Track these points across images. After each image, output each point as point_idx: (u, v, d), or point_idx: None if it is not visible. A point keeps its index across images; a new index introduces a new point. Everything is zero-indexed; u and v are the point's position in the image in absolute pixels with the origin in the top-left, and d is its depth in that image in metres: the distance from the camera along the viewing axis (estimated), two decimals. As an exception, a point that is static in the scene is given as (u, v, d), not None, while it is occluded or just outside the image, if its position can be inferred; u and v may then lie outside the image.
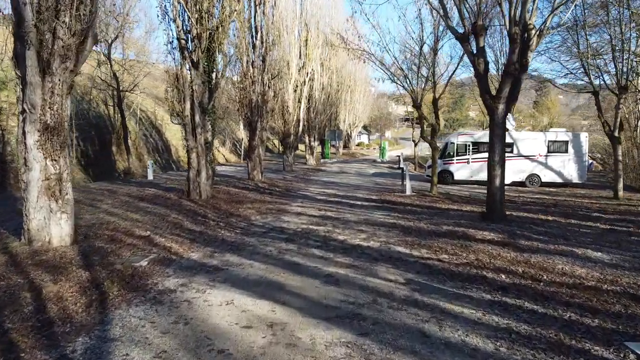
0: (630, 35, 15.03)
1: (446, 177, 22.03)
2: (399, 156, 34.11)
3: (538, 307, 5.03)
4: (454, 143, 22.50)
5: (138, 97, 26.35)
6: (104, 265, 6.24)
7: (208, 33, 13.45)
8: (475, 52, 10.27)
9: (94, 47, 24.31)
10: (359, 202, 14.46)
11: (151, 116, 31.32)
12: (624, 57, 15.11)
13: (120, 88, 22.72)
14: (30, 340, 4.02)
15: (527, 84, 46.07)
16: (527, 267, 6.79)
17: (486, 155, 22.43)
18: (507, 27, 9.75)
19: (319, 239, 8.74)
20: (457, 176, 22.33)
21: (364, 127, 74.45)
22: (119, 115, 23.28)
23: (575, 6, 13.75)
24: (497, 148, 10.24)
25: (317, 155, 38.11)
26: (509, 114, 26.71)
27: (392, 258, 7.31)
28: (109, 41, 22.07)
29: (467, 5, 10.65)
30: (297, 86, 27.98)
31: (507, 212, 11.17)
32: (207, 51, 13.89)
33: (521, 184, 21.67)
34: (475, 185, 21.66)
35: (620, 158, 16.73)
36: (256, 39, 19.75)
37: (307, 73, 29.42)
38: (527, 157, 21.60)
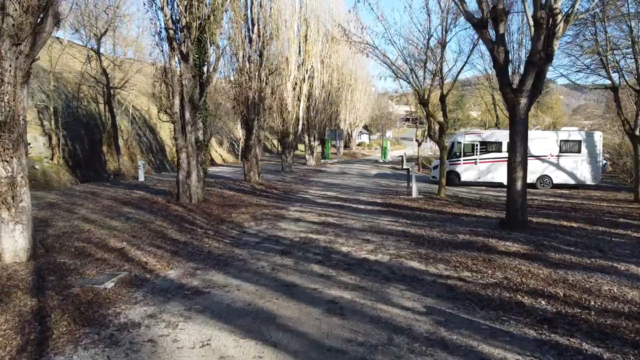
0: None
1: (452, 178, 20.91)
2: (402, 156, 32.97)
3: (601, 350, 3.93)
4: (460, 143, 21.38)
5: (130, 94, 25.22)
6: (59, 289, 5.14)
7: (198, 22, 12.35)
8: (494, 40, 9.17)
9: (82, 41, 23.29)
10: (362, 206, 13.36)
11: (145, 115, 30.18)
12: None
13: (110, 85, 21.59)
14: None
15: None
16: (567, 288, 5.69)
17: (495, 155, 21.68)
18: (531, 12, 8.65)
19: (320, 251, 7.64)
20: (464, 177, 21.23)
21: (365, 127, 73.31)
22: (109, 113, 22.14)
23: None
24: (519, 147, 9.13)
25: (317, 155, 37.01)
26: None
27: (406, 276, 6.20)
28: (98, 35, 20.94)
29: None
30: (296, 83, 26.85)
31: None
32: (197, 43, 12.80)
33: (531, 185, 20.51)
34: (483, 187, 20.57)
35: (640, 158, 15.62)
36: (253, 32, 18.66)
37: (307, 70, 28.29)
38: (537, 157, 20.47)
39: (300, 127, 27.99)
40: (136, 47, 26.01)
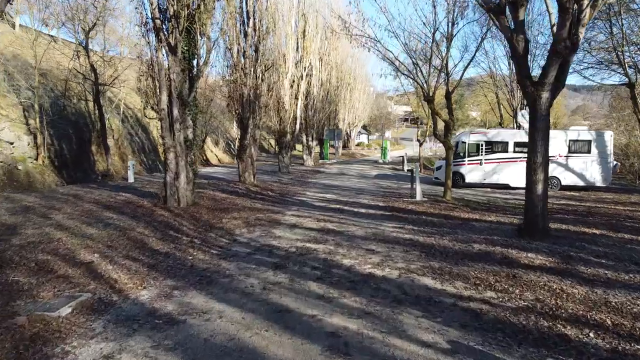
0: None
1: (456, 179, 19.96)
2: (403, 157, 32.03)
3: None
4: (465, 142, 20.45)
5: (121, 92, 24.24)
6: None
7: (187, 12, 11.39)
8: (513, 27, 8.25)
9: (75, 38, 22.28)
10: (363, 210, 12.43)
11: (138, 113, 29.17)
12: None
13: (100, 81, 20.60)
14: None
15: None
16: (613, 313, 4.77)
17: (501, 156, 20.76)
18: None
19: (319, 265, 6.71)
20: (469, 178, 20.30)
21: (364, 127, 72.41)
22: (98, 111, 21.15)
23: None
24: (540, 147, 8.22)
25: (316, 155, 36.04)
26: (525, 110, 24.74)
27: (421, 298, 5.27)
28: (86, 29, 19.97)
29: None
30: (293, 81, 25.89)
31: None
32: (187, 34, 11.85)
33: (539, 187, 19.62)
34: (489, 189, 19.66)
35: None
36: (248, 25, 17.71)
37: (305, 67, 27.34)
38: (545, 157, 19.52)
39: (297, 126, 27.03)
40: (129, 44, 25.01)
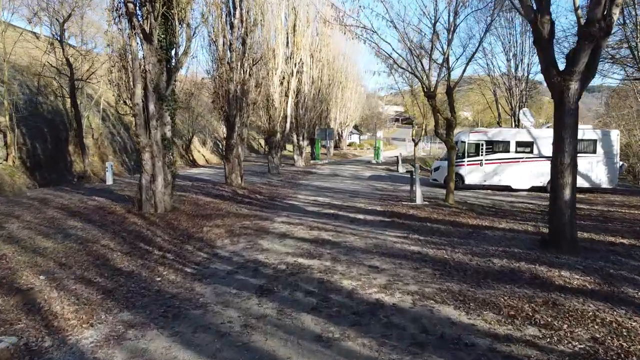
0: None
1: (456, 181, 18.76)
2: (397, 157, 30.92)
3: None
4: (464, 142, 19.35)
5: (100, 88, 22.81)
6: None
7: (164, -5, 10.19)
8: (536, 7, 7.14)
9: (46, 31, 20.84)
10: (361, 216, 11.27)
11: (121, 111, 27.73)
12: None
13: (75, 77, 19.20)
14: None
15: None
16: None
17: (502, 156, 19.73)
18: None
19: (313, 288, 5.53)
20: (468, 180, 19.24)
21: (355, 127, 71.32)
22: (73, 108, 19.73)
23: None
24: (568, 145, 7.13)
25: (307, 156, 34.83)
26: (526, 108, 23.76)
27: (446, 339, 4.11)
28: (61, 20, 18.57)
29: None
30: (283, 78, 24.64)
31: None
32: (164, 20, 10.64)
33: (541, 189, 18.64)
34: (489, 191, 18.62)
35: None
36: (234, 17, 16.49)
37: (296, 64, 26.13)
38: (549, 158, 18.44)
39: (288, 125, 25.79)
40: (107, 37, 23.53)
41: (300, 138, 30.64)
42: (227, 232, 9.09)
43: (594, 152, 18.37)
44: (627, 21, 13.32)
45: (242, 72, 16.66)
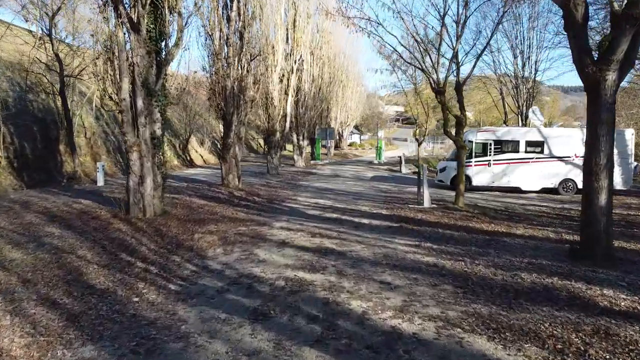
0: None
1: (463, 182, 18.06)
2: (400, 157, 30.06)
3: None
4: (472, 142, 18.49)
5: (94, 85, 21.92)
6: None
7: (153, -19, 9.38)
8: (568, -11, 6.33)
9: (33, 25, 19.99)
10: (366, 221, 10.44)
11: (106, 107, 26.80)
12: None
13: (65, 73, 18.36)
14: None
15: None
16: None
17: (511, 156, 18.87)
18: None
19: (317, 312, 4.69)
20: (476, 181, 18.40)
21: (356, 127, 70.48)
22: (63, 105, 18.89)
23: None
24: (604, 144, 6.30)
25: (307, 156, 33.96)
26: (535, 107, 22.92)
27: (485, 385, 3.29)
28: (50, 14, 17.73)
29: None
30: (283, 75, 23.80)
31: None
32: (153, 9, 9.83)
33: (552, 190, 17.84)
34: (498, 193, 17.78)
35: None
36: (231, 9, 15.65)
37: (296, 61, 25.30)
38: (560, 158, 17.81)
39: (287, 124, 24.94)
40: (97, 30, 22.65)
41: (300, 138, 29.78)
42: (221, 239, 8.26)
43: (608, 152, 17.53)
44: None
45: (239, 67, 15.82)
